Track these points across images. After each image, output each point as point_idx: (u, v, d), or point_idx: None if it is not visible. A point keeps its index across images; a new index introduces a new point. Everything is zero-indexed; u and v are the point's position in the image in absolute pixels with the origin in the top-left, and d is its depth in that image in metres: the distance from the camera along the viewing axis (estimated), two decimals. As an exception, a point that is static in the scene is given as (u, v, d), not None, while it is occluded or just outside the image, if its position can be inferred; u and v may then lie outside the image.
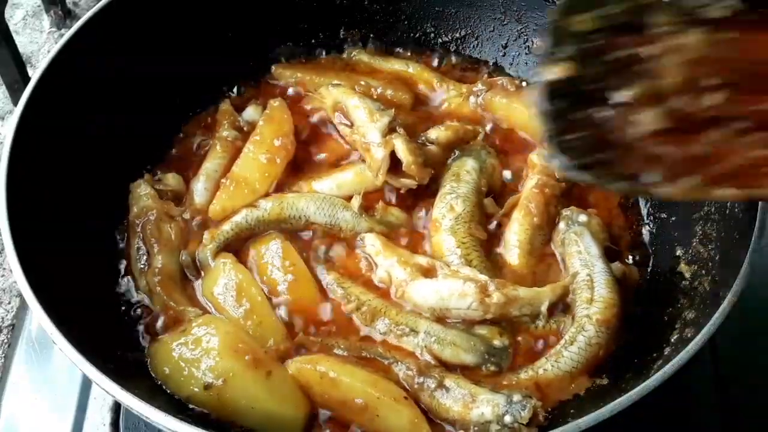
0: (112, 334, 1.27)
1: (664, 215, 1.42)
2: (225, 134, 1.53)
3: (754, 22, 0.90)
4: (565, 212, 1.39)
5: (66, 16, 2.20)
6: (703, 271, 1.24)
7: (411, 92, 1.63)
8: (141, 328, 1.30)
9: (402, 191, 1.43)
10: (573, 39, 0.92)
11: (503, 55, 1.70)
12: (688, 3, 0.90)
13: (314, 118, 1.58)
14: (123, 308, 1.33)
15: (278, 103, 1.57)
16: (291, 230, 1.41)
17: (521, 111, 1.55)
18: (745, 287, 1.08)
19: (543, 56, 0.94)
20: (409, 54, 1.73)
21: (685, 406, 1.35)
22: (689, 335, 1.11)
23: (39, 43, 2.16)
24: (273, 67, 1.69)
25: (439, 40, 1.74)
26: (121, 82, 1.45)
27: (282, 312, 1.31)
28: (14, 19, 2.21)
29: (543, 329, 1.28)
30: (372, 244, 1.37)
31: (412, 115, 1.58)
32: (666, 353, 1.14)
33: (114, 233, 1.42)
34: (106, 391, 1.02)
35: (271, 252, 1.36)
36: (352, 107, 1.49)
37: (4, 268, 1.69)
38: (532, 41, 1.66)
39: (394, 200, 1.45)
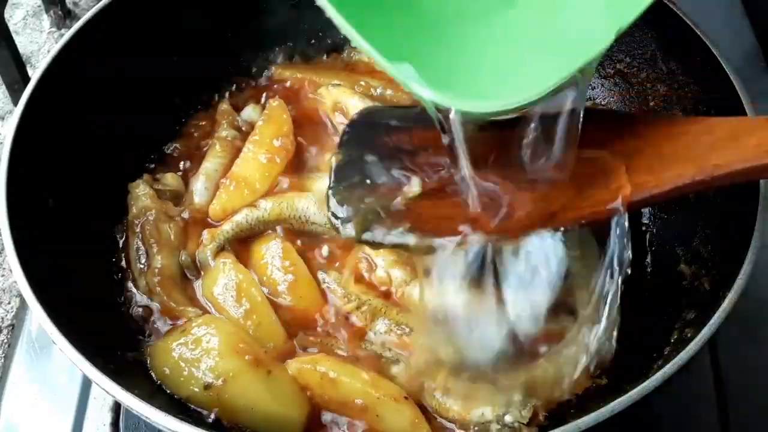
0: (112, 334, 1.27)
1: (664, 215, 1.42)
2: (224, 134, 1.53)
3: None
4: (565, 212, 1.39)
5: (66, 16, 2.20)
6: (703, 271, 1.24)
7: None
8: (141, 328, 1.30)
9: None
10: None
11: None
12: None
13: (314, 118, 1.58)
14: (123, 308, 1.33)
15: (277, 104, 1.57)
16: (291, 230, 1.41)
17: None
18: (745, 287, 1.08)
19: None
20: (409, 54, 1.73)
21: (685, 406, 1.35)
22: (689, 335, 1.11)
23: (39, 43, 2.16)
24: (273, 67, 1.69)
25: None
26: (121, 82, 1.45)
27: (282, 312, 1.31)
28: (14, 19, 2.22)
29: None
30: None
31: (412, 114, 1.58)
32: (666, 353, 1.14)
33: (114, 233, 1.42)
34: (106, 391, 1.02)
35: (272, 252, 1.36)
36: (352, 107, 1.49)
37: (4, 268, 1.69)
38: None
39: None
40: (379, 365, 1.24)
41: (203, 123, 1.60)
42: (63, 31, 2.16)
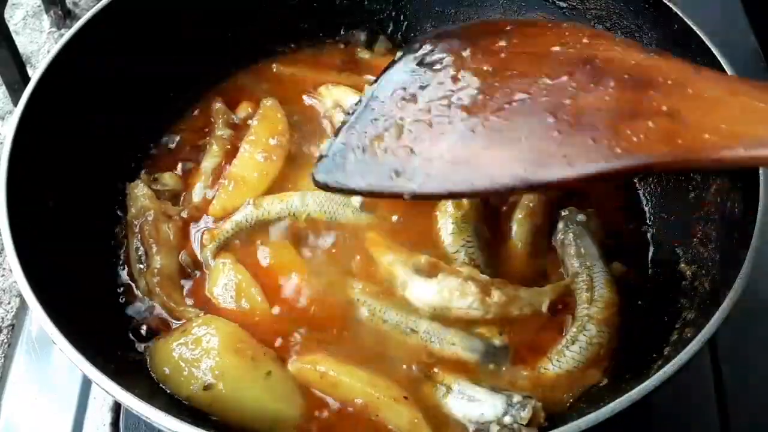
0: (112, 334, 1.27)
1: (664, 215, 1.42)
2: (220, 133, 1.53)
3: None
4: (564, 212, 1.39)
5: (66, 16, 2.20)
6: (703, 271, 1.24)
7: (410, 92, 1.63)
8: (141, 328, 1.30)
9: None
10: None
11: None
12: None
13: (314, 116, 1.58)
14: (123, 308, 1.33)
15: (271, 103, 1.57)
16: (291, 228, 1.41)
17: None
18: (746, 287, 1.08)
19: None
20: (409, 54, 1.73)
21: (684, 406, 1.35)
22: (689, 335, 1.11)
23: (39, 43, 2.17)
24: (273, 66, 1.69)
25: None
26: (121, 82, 1.46)
27: (282, 312, 1.31)
28: (14, 19, 2.22)
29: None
30: (373, 241, 1.37)
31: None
32: (666, 353, 1.14)
33: (114, 233, 1.42)
34: (106, 391, 1.02)
35: (271, 251, 1.36)
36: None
37: (4, 268, 1.69)
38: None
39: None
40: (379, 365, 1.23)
41: (200, 122, 1.60)
42: (63, 31, 2.16)
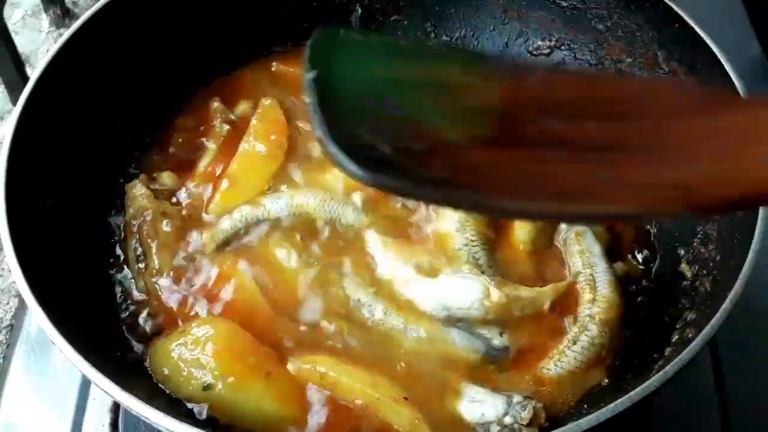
0: (111, 335, 1.26)
1: (664, 215, 1.42)
2: (219, 131, 1.53)
3: None
4: (567, 212, 1.39)
5: (65, 15, 2.19)
6: (704, 272, 1.24)
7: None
8: (140, 328, 1.30)
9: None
10: None
11: (504, 54, 1.70)
12: None
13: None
14: (122, 308, 1.33)
15: (270, 101, 1.57)
16: (291, 227, 1.40)
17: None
18: (747, 287, 1.08)
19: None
20: (409, 53, 1.73)
21: (685, 406, 1.35)
22: (690, 335, 1.11)
23: (38, 42, 2.16)
24: (273, 65, 1.69)
25: (440, 40, 1.74)
26: (119, 82, 1.45)
27: (282, 311, 1.30)
28: (13, 18, 2.21)
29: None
30: (373, 240, 1.36)
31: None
32: (667, 353, 1.13)
33: (113, 233, 1.41)
34: (106, 391, 1.02)
35: (270, 250, 1.36)
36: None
37: (3, 268, 1.69)
38: (533, 40, 1.66)
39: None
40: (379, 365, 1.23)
41: (198, 121, 1.59)
42: (62, 30, 2.16)
